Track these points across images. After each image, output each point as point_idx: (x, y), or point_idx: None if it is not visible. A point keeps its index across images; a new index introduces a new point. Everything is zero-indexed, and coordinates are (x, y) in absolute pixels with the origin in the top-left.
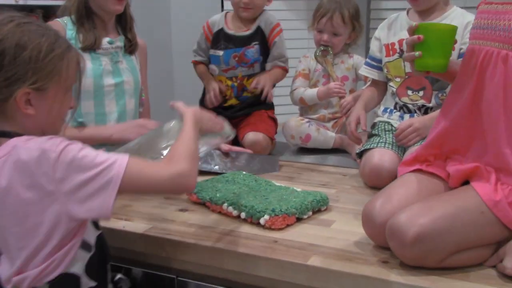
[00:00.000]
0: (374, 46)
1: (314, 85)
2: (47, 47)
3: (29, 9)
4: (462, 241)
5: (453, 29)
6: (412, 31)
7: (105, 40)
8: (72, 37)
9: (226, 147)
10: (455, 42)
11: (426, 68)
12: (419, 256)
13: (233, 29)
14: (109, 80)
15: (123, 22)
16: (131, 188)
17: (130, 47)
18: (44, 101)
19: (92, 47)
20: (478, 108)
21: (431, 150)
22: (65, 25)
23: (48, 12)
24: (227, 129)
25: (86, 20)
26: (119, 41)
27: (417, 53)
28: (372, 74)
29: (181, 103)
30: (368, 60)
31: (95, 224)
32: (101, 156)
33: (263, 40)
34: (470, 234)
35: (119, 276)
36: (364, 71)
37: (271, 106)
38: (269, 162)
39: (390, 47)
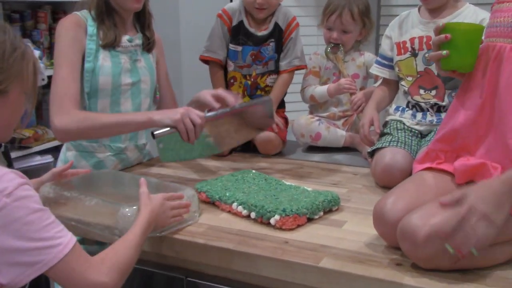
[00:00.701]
0: (385, 45)
1: (324, 83)
2: (11, 45)
3: (37, 5)
4: None
5: (481, 28)
6: (438, 30)
7: (125, 38)
8: (93, 33)
9: (210, 97)
10: (482, 42)
11: (453, 67)
12: (432, 256)
13: (253, 27)
14: (126, 79)
15: (142, 19)
16: (51, 276)
17: (148, 45)
18: (4, 104)
19: (112, 45)
20: (491, 103)
21: (443, 146)
22: (85, 20)
23: (57, 8)
24: (193, 213)
25: (106, 17)
26: (138, 39)
27: (444, 52)
28: (383, 73)
29: (145, 191)
30: (379, 59)
31: None
32: (49, 230)
33: (279, 37)
34: None
35: None
36: (375, 70)
37: (282, 105)
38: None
39: (401, 45)
